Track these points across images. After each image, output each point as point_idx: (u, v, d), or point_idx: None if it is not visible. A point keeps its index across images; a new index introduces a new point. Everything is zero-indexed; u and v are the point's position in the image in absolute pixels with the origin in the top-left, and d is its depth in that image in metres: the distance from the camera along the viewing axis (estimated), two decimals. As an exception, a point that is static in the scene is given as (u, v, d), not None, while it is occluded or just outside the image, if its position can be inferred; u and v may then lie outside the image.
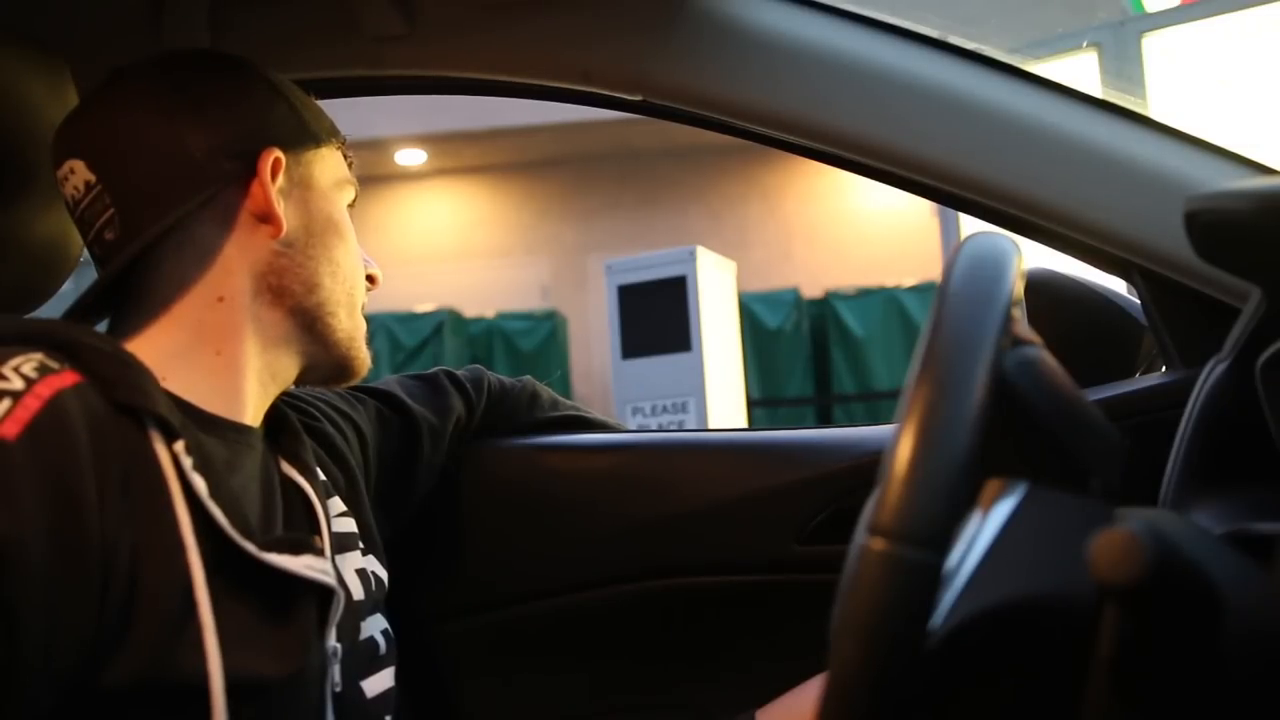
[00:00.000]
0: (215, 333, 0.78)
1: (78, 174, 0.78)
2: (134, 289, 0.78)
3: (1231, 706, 0.46)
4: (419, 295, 7.62)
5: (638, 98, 1.04)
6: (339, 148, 0.87)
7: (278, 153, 0.79)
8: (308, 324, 0.82)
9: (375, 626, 0.86)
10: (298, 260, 0.81)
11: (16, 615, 0.58)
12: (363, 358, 0.86)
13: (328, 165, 0.85)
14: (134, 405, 0.67)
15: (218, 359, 0.77)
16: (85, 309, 0.78)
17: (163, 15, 1.01)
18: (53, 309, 0.88)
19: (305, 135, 0.83)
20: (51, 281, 0.91)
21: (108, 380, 0.67)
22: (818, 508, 1.05)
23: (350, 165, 0.88)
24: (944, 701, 0.48)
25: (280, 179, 0.80)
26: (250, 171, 0.79)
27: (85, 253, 0.94)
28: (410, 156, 7.83)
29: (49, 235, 0.91)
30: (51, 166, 0.82)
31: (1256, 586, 0.50)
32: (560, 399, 1.20)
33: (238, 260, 0.79)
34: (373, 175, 7.80)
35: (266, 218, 0.79)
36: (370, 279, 0.89)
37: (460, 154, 7.88)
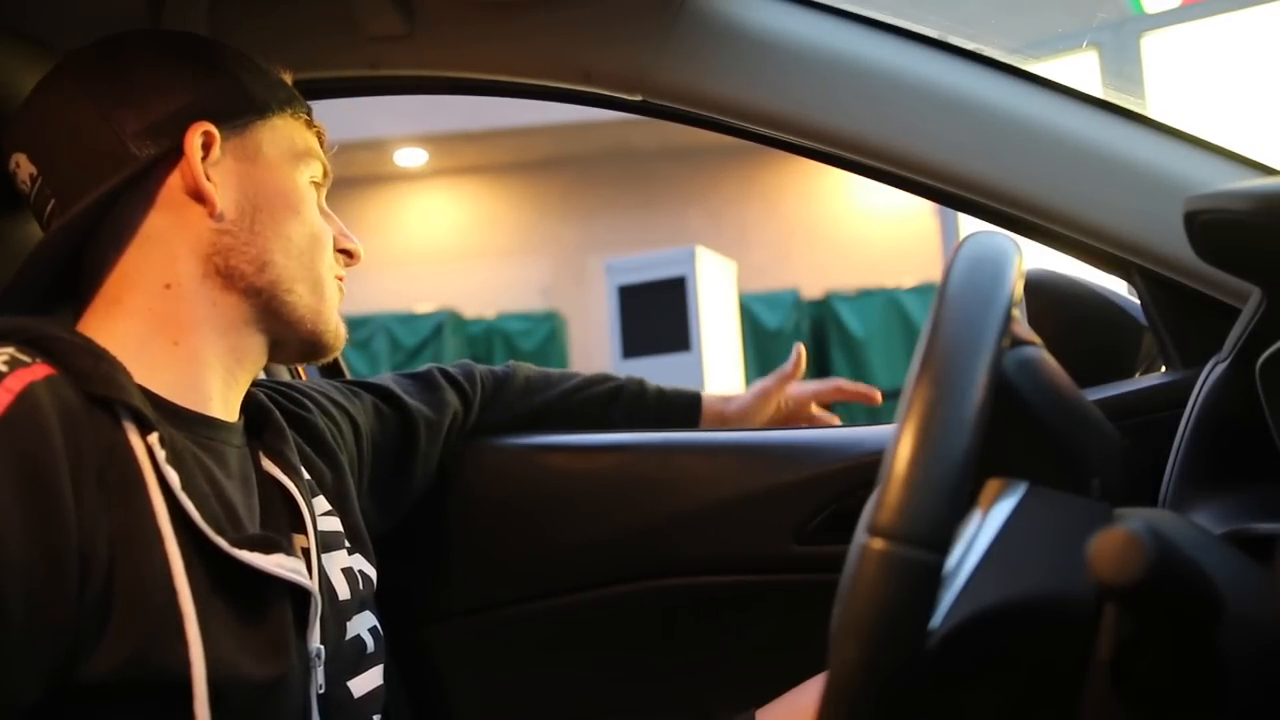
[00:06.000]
0: (168, 322, 0.76)
1: (23, 167, 0.78)
2: (85, 281, 0.78)
3: (1231, 706, 0.46)
4: (419, 295, 7.62)
5: (638, 98, 1.04)
6: (300, 119, 0.84)
7: (207, 126, 0.76)
8: (265, 304, 0.79)
9: (363, 625, 0.85)
10: (242, 239, 0.78)
11: None
12: (333, 330, 0.84)
13: (279, 136, 0.81)
14: (108, 397, 0.67)
15: (176, 349, 0.76)
16: (25, 299, 0.77)
17: (162, 15, 1.01)
18: (52, 309, 0.87)
19: (246, 106, 0.79)
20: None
21: (80, 373, 0.67)
22: (818, 508, 1.05)
23: (320, 138, 0.85)
24: (944, 701, 0.48)
25: (214, 153, 0.77)
26: (179, 149, 0.76)
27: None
28: (410, 156, 7.83)
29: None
30: None
31: (1256, 586, 0.50)
32: (551, 372, 1.19)
33: (179, 243, 0.76)
34: (373, 175, 7.80)
35: (199, 196, 0.76)
36: (348, 253, 0.86)
37: (460, 154, 7.88)
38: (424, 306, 7.61)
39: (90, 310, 0.77)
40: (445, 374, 1.11)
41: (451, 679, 1.13)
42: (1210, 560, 0.47)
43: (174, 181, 0.77)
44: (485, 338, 7.73)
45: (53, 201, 0.76)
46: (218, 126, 0.77)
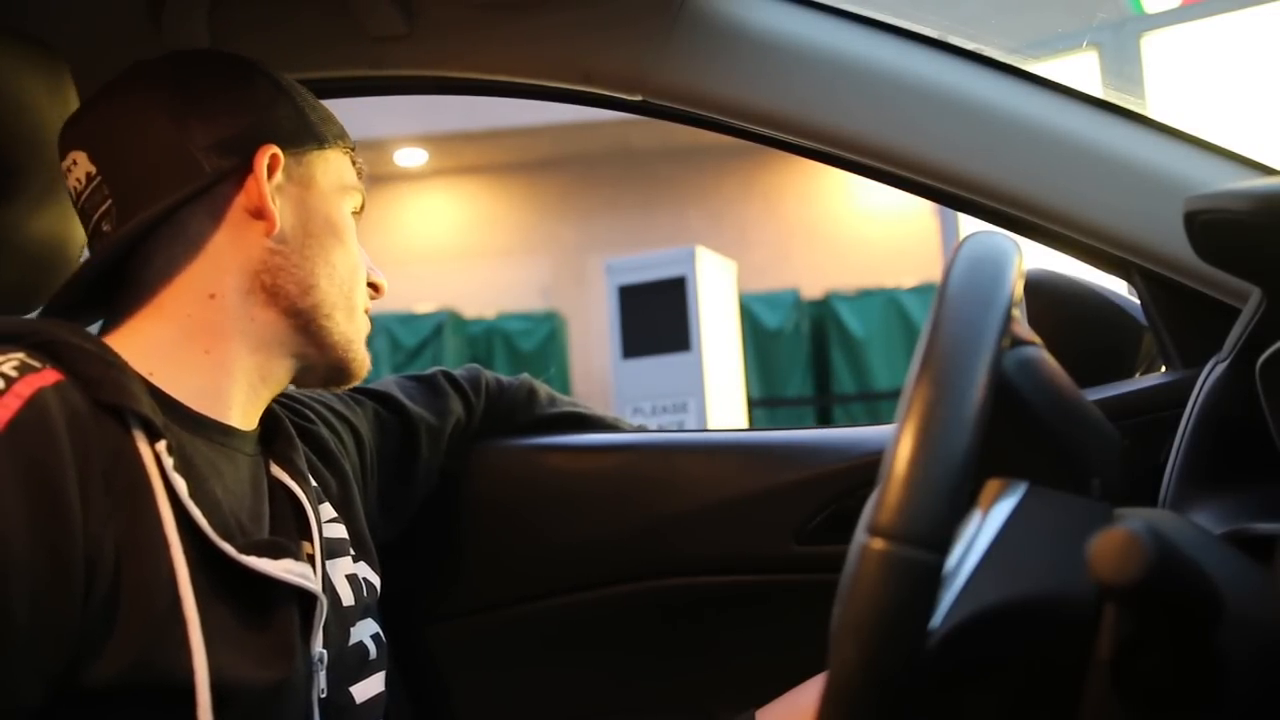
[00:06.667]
0: (204, 330, 0.77)
1: (80, 165, 0.78)
2: (127, 282, 0.78)
3: (1231, 707, 0.46)
4: (419, 295, 7.62)
5: (638, 98, 1.04)
6: (347, 153, 0.86)
7: (275, 149, 0.79)
8: (302, 325, 0.81)
9: (365, 631, 0.85)
10: (292, 260, 0.80)
11: None
12: (361, 360, 0.85)
13: (331, 167, 0.84)
14: (116, 404, 0.67)
15: (206, 357, 0.77)
16: (75, 298, 0.78)
17: (163, 15, 1.01)
18: (53, 309, 0.87)
19: (307, 135, 0.82)
20: (51, 281, 0.90)
21: (90, 379, 0.67)
22: (818, 508, 1.05)
23: (360, 173, 0.88)
24: (944, 701, 0.48)
25: (277, 176, 0.79)
26: (246, 167, 0.78)
27: (85, 252, 0.94)
28: (410, 156, 7.83)
29: (48, 235, 0.91)
30: (51, 166, 0.82)
31: (1256, 586, 0.50)
32: (557, 395, 1.20)
33: (231, 256, 0.78)
34: (373, 175, 7.74)
35: (260, 214, 0.78)
36: (374, 287, 0.88)
37: (460, 154, 7.88)
38: (424, 306, 7.60)
39: (128, 312, 0.78)
40: (451, 379, 1.11)
41: (452, 679, 1.13)
42: (1210, 560, 0.47)
43: (237, 198, 0.78)
44: (485, 338, 7.73)
45: (109, 203, 0.77)
46: (281, 150, 0.79)
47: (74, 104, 0.90)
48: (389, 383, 1.07)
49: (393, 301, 7.41)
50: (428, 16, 1.04)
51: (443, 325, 7.50)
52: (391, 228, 8.01)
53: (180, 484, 0.68)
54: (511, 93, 1.09)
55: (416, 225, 8.13)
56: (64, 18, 0.99)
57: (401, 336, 7.40)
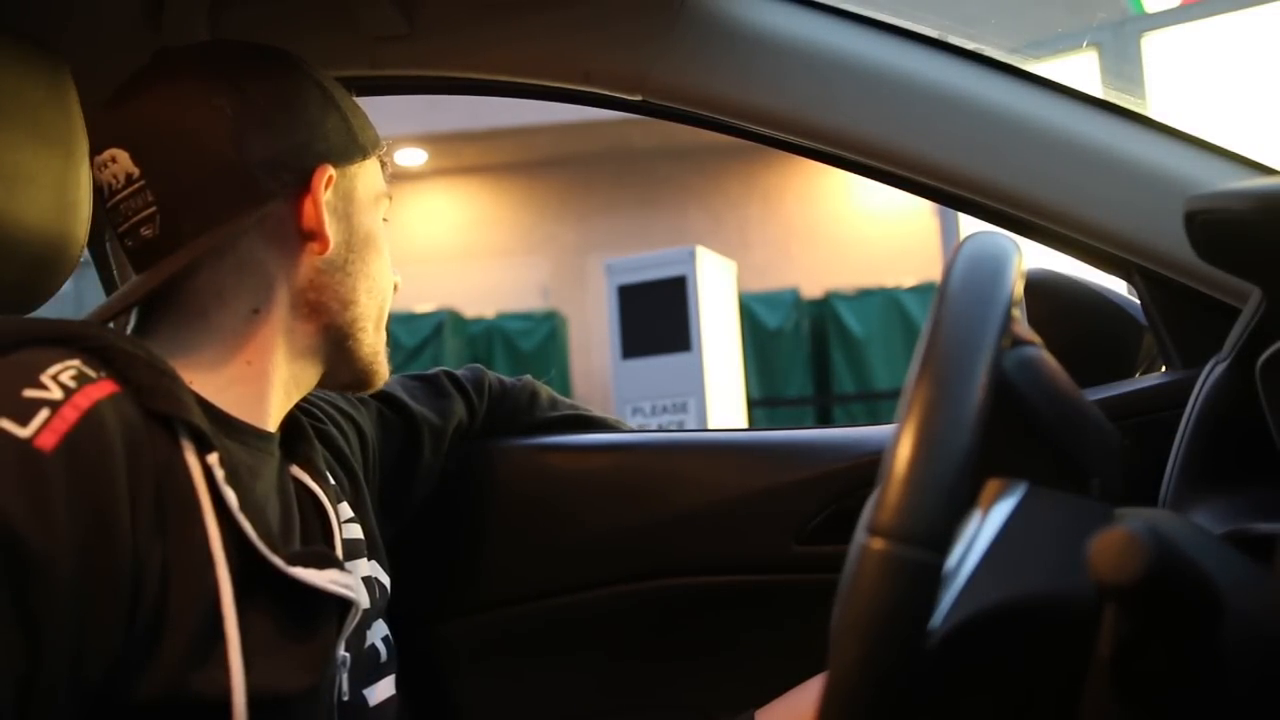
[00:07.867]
0: (248, 344, 0.76)
1: (119, 164, 0.74)
2: (173, 295, 0.76)
3: (1231, 707, 0.46)
4: (419, 295, 7.62)
5: (638, 98, 1.04)
6: (380, 157, 0.84)
7: (331, 170, 0.77)
8: (337, 340, 0.81)
9: (377, 634, 0.85)
10: (337, 278, 0.79)
11: (43, 629, 0.57)
12: (382, 372, 0.85)
13: (369, 177, 0.82)
14: (169, 414, 0.66)
15: (248, 368, 0.76)
16: (118, 314, 0.76)
17: (163, 15, 1.01)
18: (52, 309, 0.87)
19: (354, 148, 0.80)
20: (52, 281, 0.90)
21: (143, 388, 0.66)
22: (818, 508, 1.05)
23: (385, 166, 0.86)
24: (944, 701, 0.48)
25: (328, 194, 0.78)
26: (303, 186, 0.76)
27: (86, 253, 0.94)
28: (410, 156, 7.83)
29: (49, 235, 0.90)
30: (51, 166, 0.81)
31: (1256, 586, 0.50)
32: (559, 397, 1.20)
33: (279, 275, 0.77)
34: (373, 175, 7.79)
35: (314, 235, 0.77)
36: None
37: (460, 154, 7.88)
38: (424, 306, 7.60)
39: (167, 321, 0.76)
40: (454, 380, 1.11)
41: (450, 679, 1.13)
42: (1210, 560, 0.47)
43: (289, 217, 0.77)
44: (485, 338, 7.74)
45: (153, 210, 0.74)
46: (334, 166, 0.78)
47: (74, 104, 0.90)
48: (392, 382, 1.06)
49: (393, 301, 7.40)
50: (428, 16, 1.04)
51: (442, 325, 7.50)
52: (391, 228, 7.97)
53: (231, 497, 0.67)
54: (511, 93, 1.09)
55: (416, 225, 8.13)
56: (64, 18, 0.99)
57: (401, 336, 7.40)
